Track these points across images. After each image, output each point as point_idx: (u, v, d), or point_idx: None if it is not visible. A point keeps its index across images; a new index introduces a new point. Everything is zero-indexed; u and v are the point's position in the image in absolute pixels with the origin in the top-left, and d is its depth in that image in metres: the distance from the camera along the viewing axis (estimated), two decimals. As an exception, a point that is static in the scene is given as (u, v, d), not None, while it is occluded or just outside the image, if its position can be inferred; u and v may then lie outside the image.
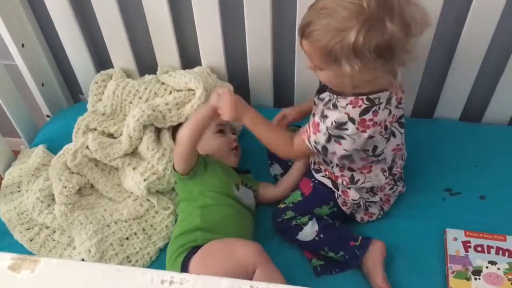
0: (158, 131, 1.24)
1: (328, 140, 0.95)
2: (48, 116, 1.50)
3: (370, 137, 0.94)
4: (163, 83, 1.30)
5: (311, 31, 0.86)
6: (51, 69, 1.44)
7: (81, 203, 1.17)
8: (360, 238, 1.05)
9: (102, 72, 1.36)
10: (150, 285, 0.45)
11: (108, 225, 1.13)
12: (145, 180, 1.14)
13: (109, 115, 1.28)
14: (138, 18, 1.29)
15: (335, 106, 0.94)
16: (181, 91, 1.26)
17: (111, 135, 1.26)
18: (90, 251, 1.08)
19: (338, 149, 0.95)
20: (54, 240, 1.15)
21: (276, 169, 1.23)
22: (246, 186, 1.14)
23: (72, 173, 1.19)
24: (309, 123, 1.00)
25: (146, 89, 1.26)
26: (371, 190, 1.08)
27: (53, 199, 1.17)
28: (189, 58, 1.36)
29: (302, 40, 0.90)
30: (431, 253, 1.07)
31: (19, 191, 1.24)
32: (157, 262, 1.12)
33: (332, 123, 0.93)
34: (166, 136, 1.22)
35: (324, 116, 0.95)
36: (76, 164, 1.19)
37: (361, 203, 1.08)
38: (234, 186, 1.11)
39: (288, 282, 0.95)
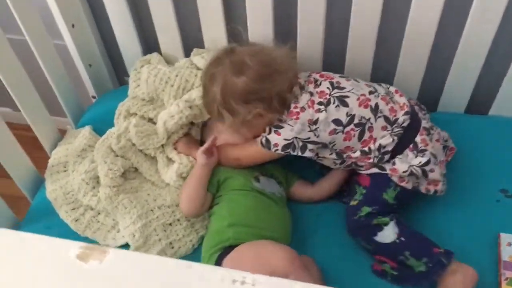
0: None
1: (269, 130, 1.05)
2: (94, 97, 1.51)
3: (311, 121, 1.02)
4: (195, 68, 1.28)
5: None
6: (99, 50, 1.44)
7: (125, 186, 1.17)
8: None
9: (141, 58, 1.36)
10: (220, 284, 0.43)
11: (152, 210, 1.13)
12: (177, 175, 1.14)
13: (148, 101, 1.28)
14: (188, 2, 1.27)
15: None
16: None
17: (151, 120, 1.25)
18: (134, 236, 1.08)
19: (277, 139, 1.04)
20: (98, 221, 1.15)
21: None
22: (268, 176, 1.13)
23: (117, 156, 1.19)
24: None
25: (177, 76, 1.24)
26: (416, 150, 1.04)
27: (98, 182, 1.17)
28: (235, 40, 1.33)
29: None
30: (483, 258, 1.02)
31: (65, 171, 1.24)
32: (200, 249, 1.10)
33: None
34: (198, 129, 1.23)
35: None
36: (121, 147, 1.19)
37: (415, 171, 1.03)
38: (253, 179, 1.10)
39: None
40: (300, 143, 1.03)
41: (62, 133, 1.37)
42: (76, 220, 1.15)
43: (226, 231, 1.02)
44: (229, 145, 1.13)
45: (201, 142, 1.23)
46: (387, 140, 1.04)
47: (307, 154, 1.04)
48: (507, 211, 1.10)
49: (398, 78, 1.28)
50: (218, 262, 0.98)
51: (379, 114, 1.05)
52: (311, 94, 1.05)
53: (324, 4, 1.16)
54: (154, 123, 1.26)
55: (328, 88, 1.06)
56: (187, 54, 1.38)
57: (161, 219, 1.12)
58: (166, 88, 1.26)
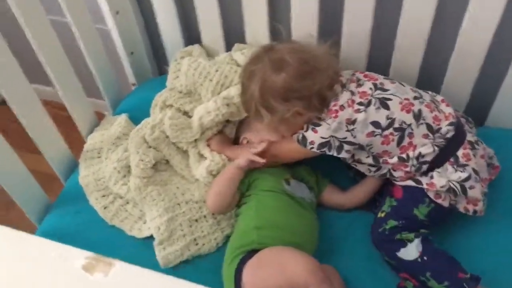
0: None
1: (306, 128, 1.03)
2: (133, 84, 1.52)
3: (350, 121, 0.98)
4: (235, 64, 1.26)
5: None
6: (142, 39, 1.44)
7: (155, 178, 1.16)
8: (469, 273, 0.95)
9: (182, 49, 1.35)
10: None
11: (179, 204, 1.12)
12: (207, 172, 1.13)
13: (186, 93, 1.26)
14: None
15: None
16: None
17: (186, 113, 1.24)
18: (159, 229, 1.08)
19: (314, 137, 1.01)
20: (126, 211, 1.16)
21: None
22: (298, 180, 1.10)
23: (150, 147, 1.19)
24: None
25: (217, 71, 1.22)
26: (457, 164, 0.98)
27: (129, 171, 1.17)
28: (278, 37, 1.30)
29: None
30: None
31: (99, 157, 1.26)
32: (223, 248, 1.08)
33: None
34: (226, 129, 1.21)
35: None
36: (154, 139, 1.18)
37: (453, 187, 0.97)
38: (284, 181, 1.07)
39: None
40: (337, 143, 1.00)
41: (99, 116, 1.38)
42: (105, 208, 1.16)
43: (251, 233, 1.00)
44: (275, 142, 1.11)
45: (235, 140, 1.21)
46: (427, 149, 0.98)
47: (343, 154, 1.01)
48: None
49: (446, 87, 1.21)
50: (240, 266, 0.96)
51: (421, 121, 0.99)
52: (352, 93, 1.01)
53: (373, 2, 1.11)
54: (190, 117, 1.25)
55: (370, 88, 1.02)
56: (228, 48, 1.36)
57: (188, 214, 1.11)
58: (205, 83, 1.24)
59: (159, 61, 1.54)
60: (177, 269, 1.06)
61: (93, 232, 1.13)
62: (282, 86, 1.00)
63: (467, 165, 0.98)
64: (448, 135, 0.99)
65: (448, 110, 1.04)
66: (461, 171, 0.98)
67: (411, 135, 0.99)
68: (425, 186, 0.99)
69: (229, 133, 1.22)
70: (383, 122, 0.98)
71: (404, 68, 1.21)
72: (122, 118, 1.31)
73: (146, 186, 1.13)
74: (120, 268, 0.48)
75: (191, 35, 1.40)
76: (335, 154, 1.01)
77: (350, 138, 0.99)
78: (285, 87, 1.00)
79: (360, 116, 0.98)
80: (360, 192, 1.12)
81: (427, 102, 1.03)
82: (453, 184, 0.97)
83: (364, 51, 1.22)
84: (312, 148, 1.01)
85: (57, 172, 1.26)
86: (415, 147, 0.99)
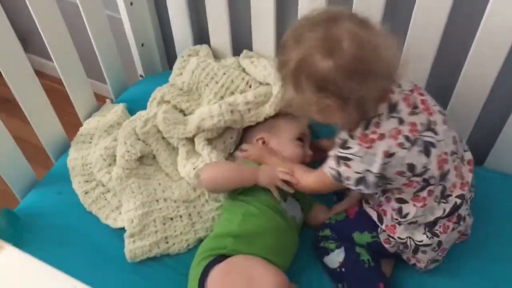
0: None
1: (338, 162, 0.89)
2: (141, 76, 1.53)
3: (387, 153, 0.84)
4: (243, 70, 1.25)
5: None
6: (154, 32, 1.45)
7: (138, 171, 1.16)
8: None
9: (191, 47, 1.35)
10: None
11: (157, 200, 1.12)
12: (194, 169, 1.11)
13: (186, 91, 1.26)
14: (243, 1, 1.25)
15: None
16: (261, 85, 1.20)
17: (182, 111, 1.24)
18: (132, 221, 1.08)
19: (349, 172, 0.87)
20: (106, 199, 1.16)
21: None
22: (295, 199, 1.07)
23: (139, 139, 1.19)
24: None
25: (224, 74, 1.22)
26: (431, 229, 0.92)
27: (115, 160, 1.18)
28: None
29: None
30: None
31: (90, 143, 1.27)
32: (194, 251, 1.06)
33: (338, 143, 0.89)
34: (232, 135, 1.19)
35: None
36: (144, 132, 1.19)
37: (409, 243, 0.93)
38: (282, 197, 1.04)
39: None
40: (372, 178, 0.86)
41: (100, 99, 1.38)
42: (86, 193, 1.17)
43: (227, 239, 0.98)
44: (299, 168, 1.02)
45: (239, 143, 1.20)
46: (427, 215, 0.91)
47: (380, 188, 0.90)
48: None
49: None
50: (207, 268, 0.94)
51: (443, 182, 0.90)
52: (401, 121, 0.85)
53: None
54: (185, 115, 1.25)
55: (422, 124, 0.86)
56: (235, 52, 1.36)
57: (164, 212, 1.10)
58: (210, 84, 1.24)
59: (170, 56, 1.55)
60: (144, 264, 1.06)
61: (69, 215, 1.14)
62: (323, 74, 0.79)
63: (438, 235, 0.93)
64: (448, 207, 0.92)
65: (468, 177, 0.93)
66: (428, 238, 0.92)
67: (430, 192, 0.90)
68: (383, 227, 0.95)
69: (233, 141, 1.20)
70: (419, 168, 0.86)
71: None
72: (119, 107, 1.32)
73: (128, 178, 1.14)
74: (9, 252, 0.47)
75: (201, 35, 1.41)
76: (371, 191, 0.89)
77: (383, 172, 0.86)
78: (325, 77, 0.80)
79: (401, 153, 0.85)
80: (342, 208, 1.07)
81: (458, 162, 0.92)
82: (411, 241, 0.93)
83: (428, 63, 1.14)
84: (349, 184, 0.89)
85: (48, 151, 1.27)
86: (425, 205, 0.90)
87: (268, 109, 1.15)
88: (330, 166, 0.91)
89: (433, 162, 0.87)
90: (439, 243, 0.93)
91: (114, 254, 1.06)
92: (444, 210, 0.91)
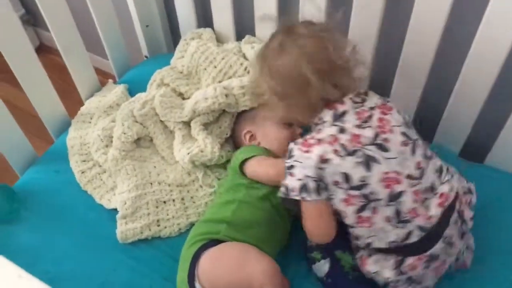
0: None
1: (285, 175, 0.88)
2: (146, 56, 1.53)
3: (322, 158, 0.83)
4: (243, 55, 1.24)
5: None
6: (159, 13, 1.44)
7: (134, 153, 1.17)
8: None
9: (193, 30, 1.33)
10: None
11: (151, 183, 1.13)
12: (188, 153, 1.11)
13: (185, 75, 1.26)
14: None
15: None
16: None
17: (181, 94, 1.24)
18: (125, 203, 1.09)
19: (293, 181, 0.85)
20: (101, 180, 1.17)
21: None
22: None
23: (136, 122, 1.20)
24: None
25: (223, 59, 1.21)
26: (398, 266, 0.87)
27: (112, 141, 1.18)
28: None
29: None
30: None
31: (89, 122, 1.28)
32: (186, 235, 1.05)
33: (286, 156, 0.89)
34: (227, 119, 1.18)
35: None
36: (142, 114, 1.19)
37: (377, 279, 0.91)
38: None
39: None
40: (312, 184, 0.85)
41: (104, 75, 1.38)
42: (82, 172, 1.18)
43: (221, 225, 0.98)
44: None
45: (232, 131, 1.19)
46: (379, 236, 0.86)
47: (323, 196, 0.86)
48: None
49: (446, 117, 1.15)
50: (200, 251, 0.95)
51: (394, 203, 0.84)
52: (342, 130, 0.86)
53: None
54: (184, 98, 1.24)
55: (367, 138, 0.85)
56: (238, 37, 1.34)
57: (157, 195, 1.11)
58: (209, 68, 1.23)
59: (176, 38, 1.54)
60: (135, 246, 1.07)
61: (65, 193, 1.16)
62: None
63: (406, 273, 0.88)
64: (409, 241, 0.85)
65: (435, 211, 0.86)
66: (396, 274, 0.88)
67: (375, 210, 0.85)
68: (357, 257, 0.93)
69: (229, 123, 1.19)
70: (355, 180, 0.84)
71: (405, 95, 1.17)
72: (120, 88, 1.32)
73: (123, 159, 1.14)
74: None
75: (205, 18, 1.39)
76: (314, 198, 0.85)
77: (320, 177, 0.85)
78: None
79: (335, 160, 0.84)
80: None
81: (421, 189, 0.85)
82: (379, 278, 0.90)
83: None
84: (295, 195, 0.85)
85: (49, 129, 1.29)
86: (372, 224, 0.86)
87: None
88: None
89: (375, 178, 0.84)
90: (410, 280, 0.88)
91: (106, 234, 1.08)
92: (398, 235, 0.86)
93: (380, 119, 0.87)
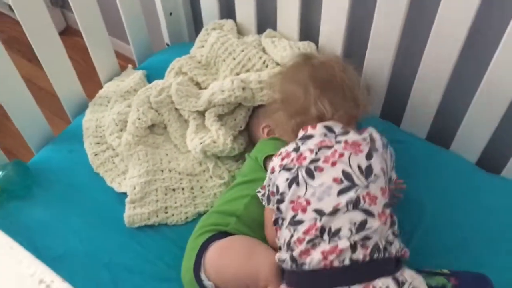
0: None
1: None
2: (167, 44, 1.53)
3: (273, 170, 0.87)
4: (262, 49, 1.24)
5: None
6: (183, 2, 1.45)
7: (147, 139, 1.18)
8: None
9: (215, 21, 1.33)
10: (29, 279, 0.39)
11: (162, 170, 1.13)
12: (200, 143, 1.11)
13: (204, 65, 1.26)
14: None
15: None
16: (278, 66, 1.18)
17: (198, 84, 1.24)
18: (134, 188, 1.10)
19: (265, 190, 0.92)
20: (114, 163, 1.18)
21: None
22: None
23: (151, 108, 1.21)
24: None
25: (242, 51, 1.21)
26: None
27: (126, 126, 1.19)
28: (308, 30, 1.26)
29: None
30: None
31: (106, 106, 1.29)
32: (192, 224, 1.07)
33: None
34: (242, 112, 1.17)
35: None
36: (157, 101, 1.20)
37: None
38: None
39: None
40: (266, 192, 0.90)
41: (125, 59, 1.39)
42: (95, 155, 1.20)
43: (230, 218, 0.98)
44: None
45: (247, 126, 1.19)
46: (284, 254, 0.82)
47: (271, 206, 0.88)
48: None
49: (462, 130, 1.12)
50: (208, 242, 0.95)
51: (292, 228, 0.81)
52: (297, 149, 0.86)
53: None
54: (200, 88, 1.25)
55: (307, 159, 0.84)
56: (260, 30, 1.34)
57: (167, 182, 1.12)
58: (228, 59, 1.23)
59: (198, 27, 1.54)
60: (141, 231, 1.08)
61: (77, 173, 1.17)
62: None
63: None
64: (307, 267, 0.78)
65: (314, 256, 0.78)
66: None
67: (281, 226, 0.84)
68: None
69: (245, 116, 1.19)
70: (279, 193, 0.84)
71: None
72: (138, 73, 1.33)
73: (136, 145, 1.15)
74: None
75: (228, 9, 1.39)
76: (266, 205, 0.90)
77: (271, 189, 0.87)
78: None
79: (276, 171, 0.86)
80: None
81: (319, 227, 0.78)
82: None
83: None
84: (263, 200, 0.92)
85: (66, 110, 1.31)
86: (278, 239, 0.86)
87: None
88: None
89: (288, 196, 0.83)
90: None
91: (113, 217, 1.09)
92: (281, 257, 0.83)
93: (335, 151, 0.84)
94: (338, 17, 1.13)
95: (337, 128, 0.88)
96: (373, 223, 0.79)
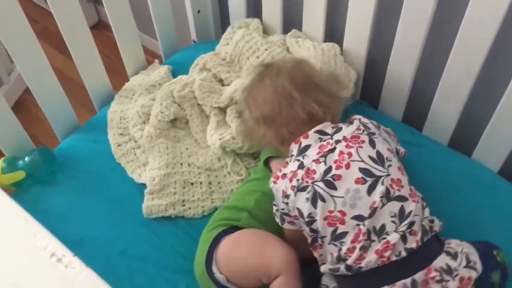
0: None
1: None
2: (194, 41, 1.56)
3: (284, 194, 0.85)
4: (286, 49, 1.25)
5: None
6: (211, 0, 1.47)
7: (169, 132, 1.20)
8: None
9: (242, 19, 1.35)
10: (42, 252, 0.41)
11: (181, 164, 1.15)
12: (220, 139, 1.12)
13: (228, 62, 1.28)
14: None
15: None
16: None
17: (221, 80, 1.26)
18: (154, 179, 1.12)
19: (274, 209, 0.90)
20: (135, 154, 1.21)
21: None
22: None
23: (174, 102, 1.23)
24: None
25: (266, 50, 1.22)
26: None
27: (149, 118, 1.22)
28: (332, 32, 1.26)
29: None
30: None
31: (131, 98, 1.32)
32: (208, 218, 1.07)
33: None
34: None
35: None
36: (180, 96, 1.22)
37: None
38: None
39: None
40: (278, 213, 0.89)
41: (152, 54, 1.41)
42: (118, 145, 1.22)
43: (242, 213, 0.99)
44: None
45: None
46: (327, 266, 0.84)
47: (286, 226, 0.89)
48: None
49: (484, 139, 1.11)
50: (220, 236, 0.96)
51: (336, 243, 0.81)
52: (301, 166, 0.84)
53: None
54: (223, 85, 1.26)
55: (320, 173, 0.82)
56: (285, 30, 1.34)
57: (185, 176, 1.14)
58: (251, 58, 1.25)
59: (225, 25, 1.56)
60: (158, 222, 1.10)
61: (100, 162, 1.20)
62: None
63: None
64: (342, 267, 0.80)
65: (372, 257, 0.78)
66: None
67: (322, 244, 0.84)
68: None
69: None
70: (305, 215, 0.83)
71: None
72: (164, 68, 1.36)
73: (157, 137, 1.18)
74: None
75: (255, 8, 1.40)
76: (280, 224, 0.90)
77: (286, 211, 0.87)
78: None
79: (292, 196, 0.84)
80: None
81: (364, 230, 0.79)
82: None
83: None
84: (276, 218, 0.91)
85: (93, 100, 1.34)
86: (321, 255, 0.86)
87: None
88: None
89: (319, 215, 0.81)
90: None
91: (132, 207, 1.12)
92: (337, 268, 0.82)
93: (341, 153, 0.83)
94: (363, 21, 1.13)
95: (328, 128, 0.88)
96: (409, 207, 0.80)
